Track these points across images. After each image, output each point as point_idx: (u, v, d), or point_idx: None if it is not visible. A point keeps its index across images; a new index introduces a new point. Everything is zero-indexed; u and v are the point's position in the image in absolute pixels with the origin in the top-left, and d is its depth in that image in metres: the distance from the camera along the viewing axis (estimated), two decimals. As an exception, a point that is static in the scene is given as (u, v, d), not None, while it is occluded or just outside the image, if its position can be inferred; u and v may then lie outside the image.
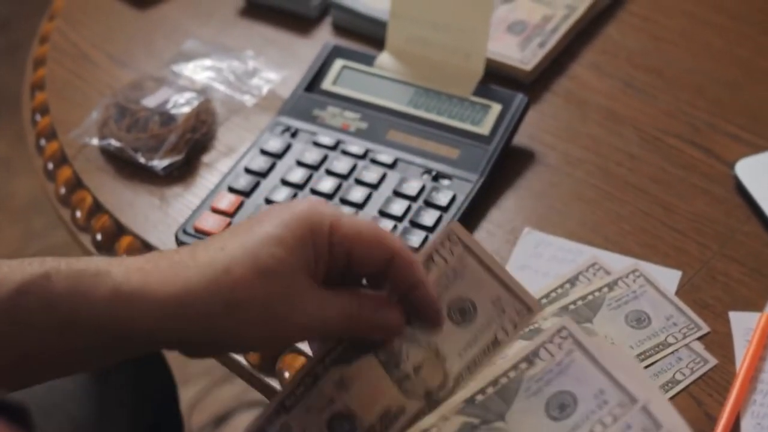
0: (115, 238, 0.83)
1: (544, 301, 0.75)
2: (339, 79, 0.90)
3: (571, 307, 0.74)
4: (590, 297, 0.75)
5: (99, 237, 0.83)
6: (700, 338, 0.72)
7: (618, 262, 0.77)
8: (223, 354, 0.65)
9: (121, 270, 0.60)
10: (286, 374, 0.73)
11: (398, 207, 0.81)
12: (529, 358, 0.62)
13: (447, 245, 0.64)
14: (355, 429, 0.62)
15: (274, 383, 0.74)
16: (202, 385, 1.59)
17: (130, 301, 0.59)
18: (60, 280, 0.59)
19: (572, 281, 0.76)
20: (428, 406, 0.62)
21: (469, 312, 0.63)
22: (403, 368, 0.63)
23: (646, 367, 0.71)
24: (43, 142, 0.91)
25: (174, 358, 1.04)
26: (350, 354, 0.64)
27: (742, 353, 0.71)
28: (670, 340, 0.72)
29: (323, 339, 0.65)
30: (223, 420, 1.56)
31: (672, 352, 0.71)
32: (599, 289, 0.75)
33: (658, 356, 0.71)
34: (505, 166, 0.85)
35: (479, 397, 0.62)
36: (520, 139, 0.87)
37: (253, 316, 0.60)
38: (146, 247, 0.82)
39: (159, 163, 0.85)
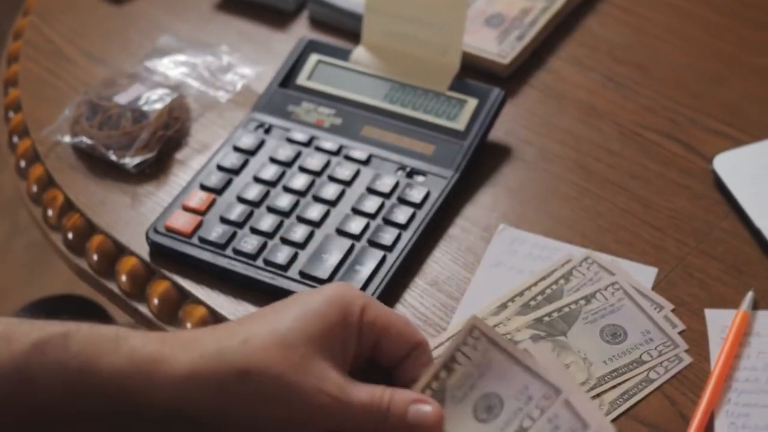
0: (86, 237, 0.82)
1: (517, 299, 0.74)
2: (314, 74, 0.88)
3: (546, 319, 0.72)
4: (566, 309, 0.73)
5: (70, 236, 0.82)
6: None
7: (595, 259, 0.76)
8: None
9: (139, 336, 0.59)
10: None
11: (371, 204, 0.79)
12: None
13: (470, 342, 0.62)
14: None
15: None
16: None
17: (143, 367, 0.58)
18: (78, 340, 0.58)
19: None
20: None
21: (495, 407, 0.61)
22: None
23: (619, 384, 0.69)
24: (15, 139, 0.90)
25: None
26: None
27: (717, 351, 0.70)
28: (645, 357, 0.71)
29: None
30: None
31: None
32: (575, 302, 0.73)
33: (631, 374, 0.70)
34: (481, 161, 0.84)
35: None
36: (497, 134, 0.86)
37: (267, 388, 0.58)
38: (117, 246, 0.80)
39: (131, 161, 0.84)
